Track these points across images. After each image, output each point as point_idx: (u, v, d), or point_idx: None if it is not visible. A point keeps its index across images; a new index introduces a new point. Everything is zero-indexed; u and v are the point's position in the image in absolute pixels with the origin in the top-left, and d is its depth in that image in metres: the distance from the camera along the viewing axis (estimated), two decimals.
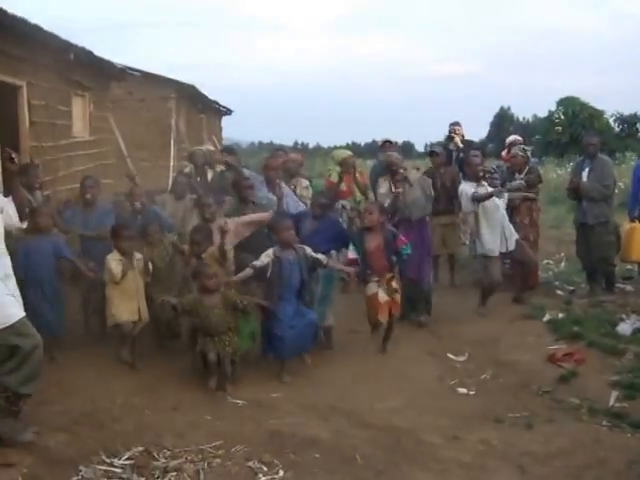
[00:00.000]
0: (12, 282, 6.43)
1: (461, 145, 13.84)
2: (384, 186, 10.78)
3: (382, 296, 9.01)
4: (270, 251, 8.57)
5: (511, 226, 11.02)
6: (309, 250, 8.66)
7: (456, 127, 14.22)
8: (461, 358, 9.24)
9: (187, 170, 12.37)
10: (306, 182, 11.82)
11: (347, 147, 16.00)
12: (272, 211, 9.54)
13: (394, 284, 9.16)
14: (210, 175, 12.52)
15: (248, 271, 8.54)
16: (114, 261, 8.73)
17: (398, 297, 9.20)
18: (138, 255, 8.98)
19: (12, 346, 6.15)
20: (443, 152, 12.86)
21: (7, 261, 6.43)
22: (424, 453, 6.54)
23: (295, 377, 8.47)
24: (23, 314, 6.31)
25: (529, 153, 12.78)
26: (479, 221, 10.86)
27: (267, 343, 8.64)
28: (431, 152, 13.03)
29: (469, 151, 12.28)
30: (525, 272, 11.46)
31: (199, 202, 9.91)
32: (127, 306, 8.75)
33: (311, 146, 70.98)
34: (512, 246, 10.90)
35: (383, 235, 9.07)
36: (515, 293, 11.43)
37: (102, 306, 9.13)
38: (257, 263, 8.52)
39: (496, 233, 10.82)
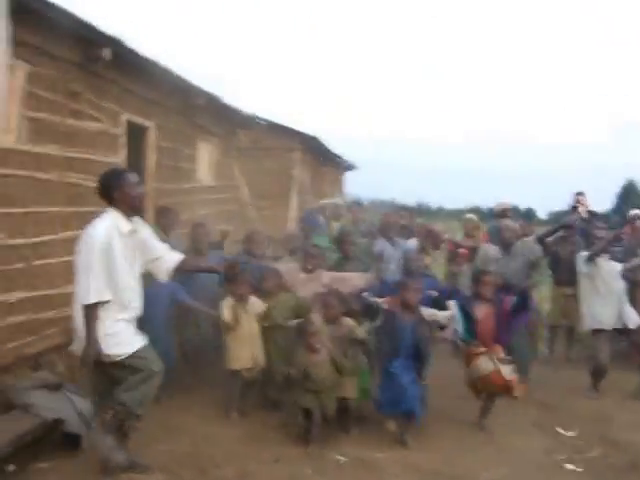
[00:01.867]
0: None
1: (585, 216, 13.65)
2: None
3: (504, 371, 8.59)
4: (386, 300, 8.61)
5: (629, 306, 10.72)
6: (428, 311, 8.63)
7: (580, 197, 14.04)
8: (570, 433, 8.99)
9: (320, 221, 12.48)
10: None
11: (471, 211, 15.96)
12: (368, 277, 9.51)
13: (500, 354, 8.76)
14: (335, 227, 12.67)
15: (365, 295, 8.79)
16: (226, 307, 8.81)
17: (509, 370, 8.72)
18: (253, 299, 8.99)
19: (134, 368, 6.37)
20: (576, 224, 12.69)
21: (138, 296, 6.69)
22: None
23: (401, 439, 8.36)
24: (145, 342, 6.57)
25: None
26: (592, 288, 10.66)
27: (380, 400, 8.52)
28: (564, 224, 12.86)
29: (593, 222, 12.10)
30: (637, 347, 11.06)
31: (305, 251, 9.93)
32: (241, 353, 8.80)
33: (434, 207, 70.67)
34: (632, 324, 10.60)
35: (494, 305, 8.87)
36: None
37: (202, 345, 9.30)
38: (374, 299, 8.67)
39: (610, 304, 10.54)
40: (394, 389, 8.29)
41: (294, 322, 8.73)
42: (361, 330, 8.66)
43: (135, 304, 6.61)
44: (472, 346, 8.78)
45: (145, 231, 6.80)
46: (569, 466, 8.01)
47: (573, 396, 10.37)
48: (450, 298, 9.21)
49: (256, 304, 8.99)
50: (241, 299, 8.87)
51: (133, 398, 6.38)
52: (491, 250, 10.99)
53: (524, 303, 9.01)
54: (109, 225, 6.38)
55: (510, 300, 8.94)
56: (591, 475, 7.79)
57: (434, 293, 9.25)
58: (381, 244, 10.98)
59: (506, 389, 8.62)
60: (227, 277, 8.68)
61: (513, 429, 8.83)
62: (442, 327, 8.77)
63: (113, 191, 6.46)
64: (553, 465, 8.02)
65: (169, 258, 6.95)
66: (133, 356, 6.39)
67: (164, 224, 9.73)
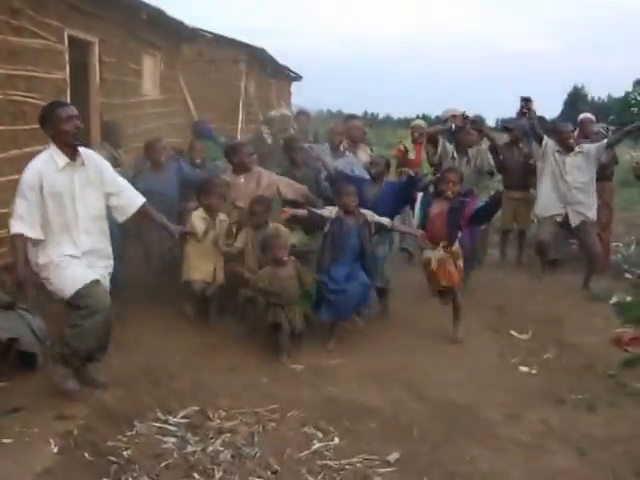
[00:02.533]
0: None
1: (534, 122, 13.67)
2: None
3: (434, 262, 8.72)
4: (334, 210, 8.59)
5: (582, 205, 10.80)
6: (371, 214, 8.64)
7: (528, 103, 14.03)
8: (524, 336, 9.13)
9: (266, 133, 12.34)
10: (368, 150, 11.78)
11: (420, 118, 15.91)
12: (306, 188, 9.46)
13: (450, 250, 8.78)
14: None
15: (303, 211, 8.70)
16: (198, 218, 8.75)
17: (457, 264, 8.82)
18: (222, 216, 8.95)
19: (78, 306, 6.29)
20: (520, 127, 12.69)
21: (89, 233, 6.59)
22: (482, 430, 6.50)
23: (355, 345, 8.48)
24: (93, 277, 6.42)
25: (610, 134, 12.53)
26: (542, 176, 10.87)
27: (318, 305, 8.58)
28: (505, 127, 12.89)
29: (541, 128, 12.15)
30: (588, 260, 11.14)
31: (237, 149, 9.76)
32: (203, 266, 8.78)
33: (381, 116, 70.42)
34: (575, 222, 10.75)
35: (450, 204, 8.79)
36: (583, 279, 11.12)
37: (169, 261, 9.24)
38: (318, 210, 8.64)
39: (556, 195, 10.74)
40: (335, 295, 8.37)
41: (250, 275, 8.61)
42: (293, 237, 8.74)
43: (85, 243, 6.50)
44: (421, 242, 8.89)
45: (98, 164, 6.64)
46: (523, 368, 8.14)
47: (526, 300, 10.47)
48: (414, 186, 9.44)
49: (224, 221, 8.96)
50: (212, 212, 8.81)
51: (75, 335, 6.31)
52: (449, 146, 10.95)
53: (489, 213, 9.10)
54: (44, 161, 6.30)
55: (474, 205, 8.97)
56: (545, 376, 7.92)
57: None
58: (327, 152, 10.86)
59: (447, 281, 8.76)
60: (201, 189, 8.62)
61: (468, 333, 8.90)
62: (388, 229, 8.82)
63: (47, 127, 6.34)
64: (508, 367, 8.15)
65: (131, 200, 6.85)
66: (77, 294, 6.29)
67: (112, 139, 9.58)
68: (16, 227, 6.20)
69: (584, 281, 10.86)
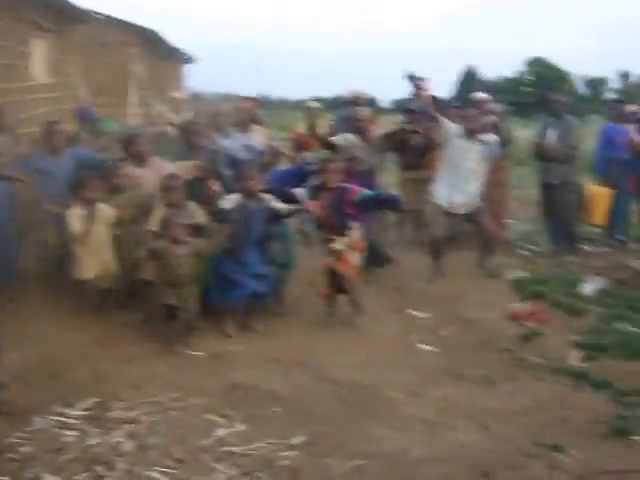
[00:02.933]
0: None
1: (429, 101, 13.78)
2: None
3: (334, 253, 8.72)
4: (234, 197, 8.54)
5: (471, 195, 10.72)
6: (271, 198, 8.62)
7: (421, 82, 14.11)
8: (424, 315, 9.25)
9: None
10: (264, 130, 11.79)
11: (314, 100, 15.91)
12: (197, 162, 9.34)
13: (339, 245, 8.75)
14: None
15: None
16: (74, 216, 8.50)
17: (350, 258, 8.80)
18: (102, 205, 8.69)
19: None
20: (418, 109, 12.78)
21: None
22: (385, 409, 6.56)
23: (255, 331, 8.50)
24: None
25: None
26: (440, 167, 10.87)
27: (217, 290, 8.49)
28: (406, 109, 12.92)
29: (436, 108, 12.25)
30: (483, 241, 11.21)
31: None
32: (94, 262, 8.57)
33: (275, 97, 70.10)
34: (464, 211, 10.71)
35: (335, 194, 8.83)
36: (479, 257, 11.21)
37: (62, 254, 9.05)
38: (223, 204, 8.56)
39: (451, 182, 10.60)
40: (230, 277, 8.37)
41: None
42: (202, 215, 8.62)
43: None
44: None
45: None
46: (424, 346, 8.25)
47: (424, 279, 10.56)
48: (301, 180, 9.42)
49: (106, 210, 8.68)
50: (89, 204, 8.57)
51: None
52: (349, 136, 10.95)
53: (382, 207, 9.17)
54: None
55: (358, 191, 8.96)
56: (445, 353, 8.06)
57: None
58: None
59: (326, 290, 8.85)
60: (76, 183, 8.47)
61: (369, 315, 8.95)
62: (287, 214, 8.81)
63: None
64: (409, 346, 8.25)
65: None
66: None
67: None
68: None
69: (480, 260, 10.96)
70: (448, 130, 10.64)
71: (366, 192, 8.95)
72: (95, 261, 8.58)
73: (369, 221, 9.94)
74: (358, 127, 10.98)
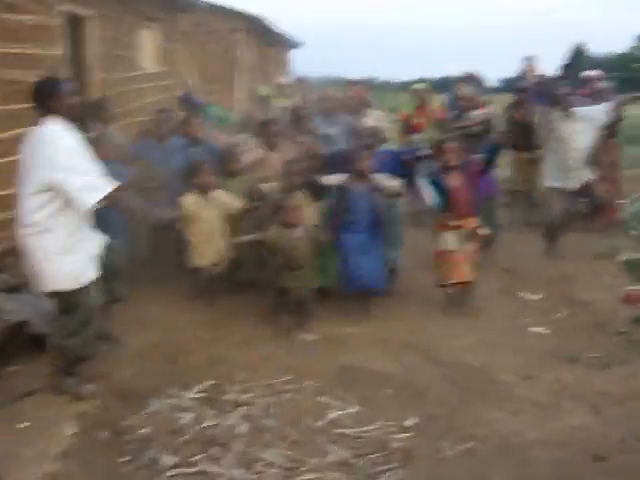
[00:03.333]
0: (91, 240, 6.44)
1: (537, 80, 13.63)
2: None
3: (459, 252, 8.61)
4: (339, 178, 8.57)
5: (586, 167, 10.66)
6: (383, 178, 8.60)
7: (530, 62, 14.01)
8: (535, 297, 9.18)
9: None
10: (378, 113, 11.78)
11: (421, 81, 15.83)
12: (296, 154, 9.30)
13: (479, 231, 8.76)
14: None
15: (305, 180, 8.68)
16: (188, 203, 8.64)
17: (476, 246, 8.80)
18: (218, 192, 8.79)
19: (74, 305, 6.19)
20: (529, 88, 12.67)
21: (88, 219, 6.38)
22: (497, 391, 6.55)
23: (366, 313, 8.51)
24: (94, 276, 6.32)
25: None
26: (548, 144, 10.69)
27: (337, 278, 8.59)
28: (518, 88, 12.83)
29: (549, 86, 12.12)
30: (594, 209, 11.06)
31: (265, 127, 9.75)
32: (208, 250, 8.71)
33: (380, 81, 69.73)
34: (578, 186, 10.58)
35: (463, 171, 8.73)
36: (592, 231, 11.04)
37: (175, 244, 9.21)
38: (321, 178, 8.67)
39: (562, 164, 10.49)
40: (352, 266, 8.39)
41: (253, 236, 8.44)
42: (310, 209, 8.67)
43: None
44: (446, 218, 8.68)
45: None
46: (536, 329, 8.18)
47: (536, 260, 10.50)
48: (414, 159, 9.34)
49: (221, 196, 8.78)
50: (203, 191, 8.70)
51: (78, 345, 6.28)
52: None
53: (492, 157, 9.05)
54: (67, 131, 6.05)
55: (476, 160, 8.94)
56: (558, 336, 7.97)
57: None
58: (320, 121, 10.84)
59: (460, 273, 8.66)
60: (190, 170, 8.59)
61: (479, 297, 8.92)
62: (397, 193, 8.77)
63: (48, 101, 6.04)
64: (520, 329, 8.19)
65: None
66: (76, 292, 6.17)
67: (100, 117, 9.53)
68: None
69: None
70: (551, 112, 10.48)
71: (481, 155, 8.98)
72: (209, 248, 8.70)
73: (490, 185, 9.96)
74: (461, 106, 10.94)
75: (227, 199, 8.77)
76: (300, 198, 8.54)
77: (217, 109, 13.89)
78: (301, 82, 13.87)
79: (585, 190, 10.66)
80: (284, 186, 8.66)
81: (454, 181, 8.65)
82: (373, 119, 11.29)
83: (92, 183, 5.94)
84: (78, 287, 6.12)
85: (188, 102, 12.88)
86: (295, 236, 8.09)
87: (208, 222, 8.67)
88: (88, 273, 6.23)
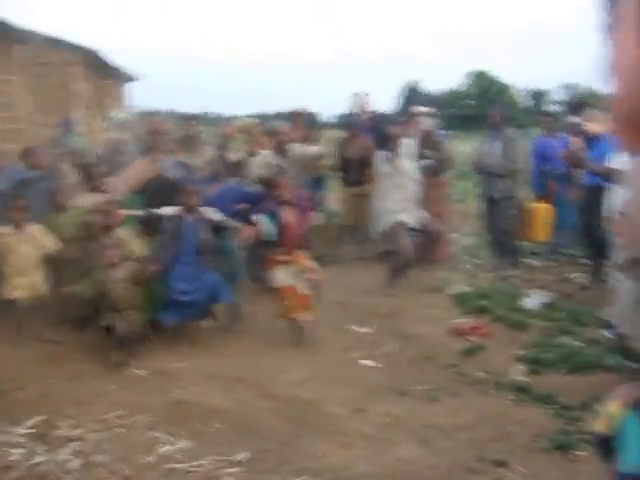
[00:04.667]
0: None
1: (370, 116, 13.93)
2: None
3: (301, 286, 8.69)
4: (172, 209, 8.62)
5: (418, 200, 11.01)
6: (210, 211, 8.70)
7: (361, 99, 14.26)
8: (366, 330, 9.30)
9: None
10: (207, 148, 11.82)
11: (255, 117, 15.87)
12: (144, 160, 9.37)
13: (308, 263, 8.85)
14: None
15: (140, 212, 8.78)
16: (3, 235, 8.50)
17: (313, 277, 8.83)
18: (33, 227, 8.68)
19: None
20: (361, 124, 12.94)
21: None
22: (328, 425, 6.61)
23: (198, 347, 8.52)
24: None
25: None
26: (391, 186, 10.86)
27: (163, 309, 8.59)
28: (349, 124, 13.09)
29: (381, 123, 12.41)
30: (430, 243, 11.36)
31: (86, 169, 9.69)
32: (20, 282, 8.53)
33: (212, 115, 69.68)
34: (413, 222, 10.83)
35: (299, 208, 8.88)
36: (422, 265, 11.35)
37: None
38: (155, 210, 8.68)
39: (402, 204, 10.75)
40: (175, 295, 8.43)
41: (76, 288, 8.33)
42: (137, 243, 8.70)
43: None
44: (276, 253, 8.76)
45: None
46: (367, 362, 8.30)
47: (365, 294, 10.63)
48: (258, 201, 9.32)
49: (36, 232, 8.67)
50: (18, 225, 8.57)
51: None
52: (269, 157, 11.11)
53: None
54: None
55: (306, 194, 9.09)
56: (388, 369, 8.12)
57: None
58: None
59: (301, 306, 8.72)
60: (3, 203, 8.44)
61: (311, 330, 8.96)
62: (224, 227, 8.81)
63: None
64: (351, 362, 8.31)
65: None
66: None
67: None
68: None
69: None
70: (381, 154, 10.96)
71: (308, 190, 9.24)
72: (25, 281, 8.53)
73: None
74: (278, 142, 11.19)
75: (42, 237, 8.68)
76: (123, 235, 8.55)
77: (79, 139, 13.74)
78: (139, 115, 13.86)
79: (421, 225, 10.87)
80: (103, 225, 8.64)
81: (288, 216, 8.74)
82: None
83: None
84: None
85: (66, 126, 12.82)
86: (115, 277, 8.05)
87: (22, 255, 8.53)
88: None
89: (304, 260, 8.79)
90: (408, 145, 10.95)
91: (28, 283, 8.56)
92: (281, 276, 8.67)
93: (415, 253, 10.97)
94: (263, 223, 8.68)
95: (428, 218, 11.03)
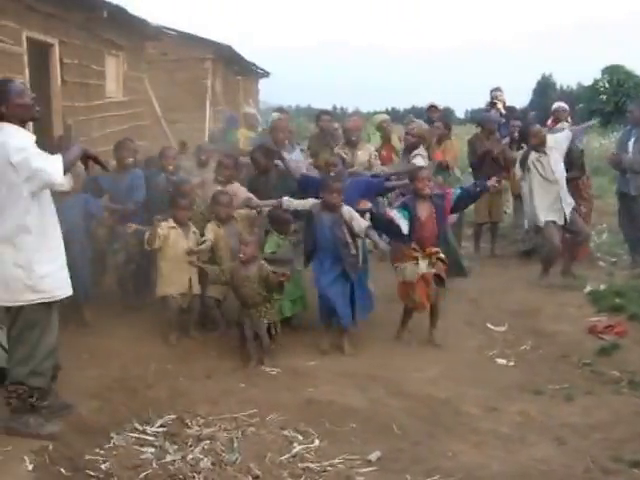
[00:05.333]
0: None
1: (504, 112, 13.84)
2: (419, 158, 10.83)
3: (423, 278, 8.59)
4: (310, 202, 8.61)
5: (568, 196, 10.85)
6: (349, 212, 8.49)
7: (498, 93, 14.19)
8: (501, 328, 9.27)
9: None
10: (372, 147, 11.85)
11: (386, 112, 15.94)
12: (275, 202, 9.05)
13: (439, 256, 8.75)
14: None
15: (277, 202, 8.79)
16: (165, 227, 8.62)
17: (441, 268, 8.74)
18: (194, 228, 8.87)
19: (31, 324, 5.94)
20: (495, 121, 12.86)
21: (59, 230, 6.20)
22: (462, 424, 6.62)
23: (331, 346, 8.56)
24: (70, 292, 6.18)
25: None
26: (530, 184, 10.84)
27: (321, 313, 8.69)
28: (479, 123, 13.04)
29: (511, 118, 12.34)
30: (575, 243, 11.22)
31: (218, 161, 9.73)
32: (177, 278, 8.69)
33: (350, 110, 69.79)
34: (569, 216, 10.73)
35: (434, 203, 8.77)
36: (563, 265, 11.21)
37: (139, 273, 9.36)
38: (292, 202, 8.73)
39: (549, 197, 10.69)
40: (326, 299, 8.43)
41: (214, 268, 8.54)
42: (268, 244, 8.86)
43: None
44: (407, 248, 8.69)
45: None
46: (501, 361, 8.28)
47: (501, 292, 10.61)
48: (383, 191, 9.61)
49: (196, 233, 8.87)
50: (181, 224, 8.73)
51: (25, 372, 5.96)
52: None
53: (470, 201, 9.29)
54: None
55: (452, 194, 8.96)
56: (523, 368, 8.08)
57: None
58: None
59: (424, 302, 8.66)
60: (170, 201, 8.66)
61: (444, 328, 8.98)
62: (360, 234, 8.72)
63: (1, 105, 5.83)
64: (485, 361, 8.30)
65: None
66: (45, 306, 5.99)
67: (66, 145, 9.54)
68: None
69: (565, 268, 11.06)
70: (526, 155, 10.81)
71: (457, 191, 9.01)
72: (179, 278, 8.69)
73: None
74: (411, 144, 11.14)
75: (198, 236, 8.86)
76: (255, 233, 8.77)
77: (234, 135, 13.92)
78: (270, 111, 14.06)
79: (571, 220, 10.80)
80: (216, 216, 8.90)
81: (423, 211, 8.70)
82: (365, 151, 11.37)
83: (51, 157, 5.80)
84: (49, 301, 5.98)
85: (230, 121, 13.19)
86: (244, 274, 8.12)
87: (181, 252, 8.64)
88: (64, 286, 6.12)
89: (436, 256, 8.72)
90: (557, 141, 10.81)
91: (184, 280, 8.73)
92: (409, 269, 8.65)
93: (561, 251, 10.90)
94: (398, 217, 8.67)
95: (576, 216, 10.89)
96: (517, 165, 11.02)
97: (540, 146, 10.67)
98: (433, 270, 8.63)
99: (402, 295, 8.81)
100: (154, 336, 8.73)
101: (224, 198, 8.86)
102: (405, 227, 8.52)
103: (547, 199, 10.71)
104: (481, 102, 14.74)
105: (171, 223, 8.69)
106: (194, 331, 8.89)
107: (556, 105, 13.50)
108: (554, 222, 10.70)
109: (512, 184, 12.58)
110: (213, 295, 8.81)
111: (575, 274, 11.01)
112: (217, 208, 8.86)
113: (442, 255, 8.77)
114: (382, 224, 8.67)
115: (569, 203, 10.80)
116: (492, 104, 14.00)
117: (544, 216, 10.73)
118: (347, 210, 8.49)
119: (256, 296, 8.12)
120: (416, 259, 8.61)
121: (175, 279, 8.69)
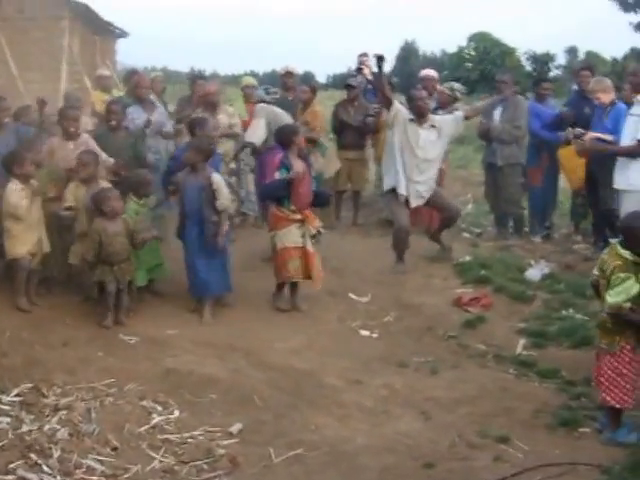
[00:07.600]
0: None
1: (370, 77, 13.86)
2: None
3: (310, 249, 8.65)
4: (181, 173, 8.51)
5: (424, 185, 10.32)
6: (218, 177, 8.45)
7: (364, 58, 14.21)
8: (364, 299, 9.28)
9: None
10: (231, 109, 11.72)
11: (248, 75, 15.87)
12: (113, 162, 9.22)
13: (316, 224, 8.76)
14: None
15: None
16: (16, 192, 8.29)
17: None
18: (33, 181, 8.52)
19: None
20: (359, 85, 12.85)
21: None
22: (325, 397, 6.67)
23: (191, 314, 8.49)
24: None
25: (457, 94, 12.54)
26: (390, 146, 10.39)
27: (194, 285, 8.61)
28: (347, 85, 12.98)
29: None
30: (445, 219, 10.99)
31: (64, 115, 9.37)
32: (28, 239, 8.41)
33: (208, 73, 69.50)
34: (416, 204, 10.32)
35: (306, 161, 8.81)
36: (432, 233, 10.83)
37: None
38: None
39: (402, 169, 10.11)
40: (197, 270, 8.39)
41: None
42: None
43: None
44: (287, 210, 8.65)
45: None
46: (364, 332, 8.34)
47: (364, 262, 10.51)
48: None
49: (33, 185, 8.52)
50: (26, 180, 8.41)
51: None
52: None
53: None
54: None
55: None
56: (386, 339, 8.18)
57: None
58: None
59: (307, 272, 8.68)
60: (9, 160, 8.37)
61: (306, 297, 8.97)
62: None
63: None
64: (348, 332, 8.37)
65: None
66: None
67: None
68: None
69: (435, 235, 10.78)
70: (399, 114, 10.20)
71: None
72: (29, 238, 8.41)
73: None
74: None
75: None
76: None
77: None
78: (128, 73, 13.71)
79: (431, 201, 10.48)
80: (80, 178, 8.63)
81: (299, 167, 8.65)
82: (225, 115, 11.23)
83: None
84: None
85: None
86: (114, 230, 8.03)
87: (32, 212, 8.39)
88: None
89: (314, 221, 8.73)
90: (443, 121, 10.58)
91: (34, 240, 8.45)
92: (290, 236, 8.61)
93: (417, 221, 10.89)
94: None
95: (441, 191, 10.82)
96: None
97: (421, 117, 10.24)
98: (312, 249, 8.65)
99: (279, 264, 8.75)
100: (6, 302, 8.38)
101: (87, 157, 8.64)
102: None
103: (400, 169, 10.16)
104: (342, 67, 14.79)
105: (17, 185, 8.36)
106: (34, 294, 8.57)
107: (423, 73, 13.53)
108: (406, 200, 10.27)
109: (376, 151, 12.59)
110: (74, 261, 8.59)
111: (445, 245, 10.74)
112: (81, 168, 8.60)
113: (321, 228, 8.80)
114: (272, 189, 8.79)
115: (420, 194, 10.30)
116: (359, 69, 14.00)
117: (389, 185, 10.42)
118: (218, 180, 8.41)
119: (124, 252, 8.07)
120: (295, 222, 8.58)
121: (26, 239, 8.39)
